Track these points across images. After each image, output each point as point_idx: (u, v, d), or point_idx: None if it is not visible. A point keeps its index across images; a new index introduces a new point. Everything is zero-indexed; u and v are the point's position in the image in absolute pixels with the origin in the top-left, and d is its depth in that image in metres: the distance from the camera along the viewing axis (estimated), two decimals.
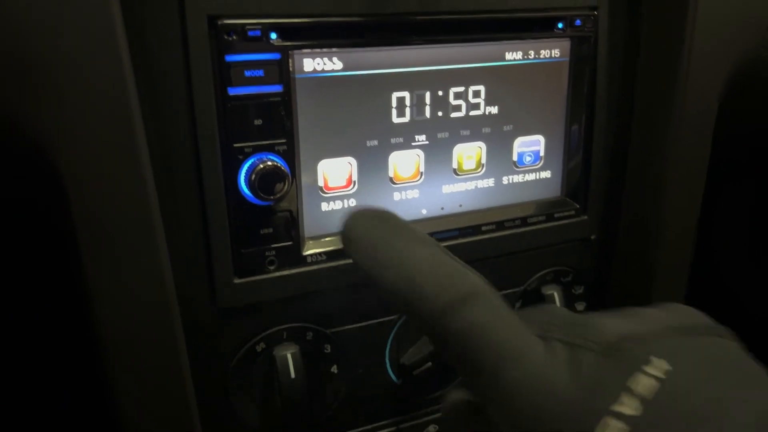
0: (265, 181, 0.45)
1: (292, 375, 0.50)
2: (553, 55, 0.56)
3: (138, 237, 0.41)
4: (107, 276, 0.41)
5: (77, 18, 0.37)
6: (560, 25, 0.54)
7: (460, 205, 0.56)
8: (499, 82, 0.54)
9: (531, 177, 0.58)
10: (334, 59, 0.48)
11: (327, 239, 0.51)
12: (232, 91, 0.44)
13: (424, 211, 0.55)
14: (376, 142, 0.51)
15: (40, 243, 0.43)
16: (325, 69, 0.47)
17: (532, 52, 0.54)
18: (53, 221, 0.39)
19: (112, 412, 0.46)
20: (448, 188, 0.55)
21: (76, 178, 0.38)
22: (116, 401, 0.45)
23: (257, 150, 0.46)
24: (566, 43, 0.56)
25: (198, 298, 0.47)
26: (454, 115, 0.53)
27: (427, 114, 0.52)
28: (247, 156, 0.45)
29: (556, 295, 0.61)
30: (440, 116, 0.52)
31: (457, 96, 0.52)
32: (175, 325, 0.44)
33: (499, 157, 0.56)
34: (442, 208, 0.55)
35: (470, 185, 0.55)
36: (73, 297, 0.42)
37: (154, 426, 0.46)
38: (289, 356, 0.50)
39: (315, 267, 0.50)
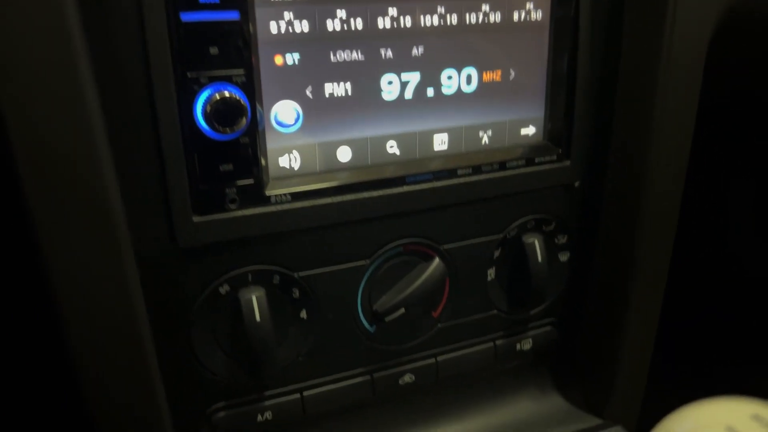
0: (221, 113, 0.44)
1: (258, 318, 0.49)
2: None
3: (83, 167, 0.39)
4: (52, 210, 0.39)
5: None
6: None
7: (438, 143, 0.54)
8: (477, 26, 0.51)
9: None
10: None
11: (293, 179, 0.49)
12: (186, 18, 0.42)
13: (396, 152, 0.53)
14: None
15: None
16: None
17: None
18: None
19: (66, 362, 0.45)
20: (422, 122, 0.53)
21: (16, 103, 0.37)
22: (70, 350, 0.44)
23: (213, 80, 0.44)
24: None
25: (157, 238, 0.46)
26: (435, 52, 0.51)
27: (414, 51, 0.50)
28: (202, 86, 0.43)
29: (537, 243, 0.59)
30: (423, 53, 0.50)
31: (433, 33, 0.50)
32: (126, 263, 0.42)
33: (476, 96, 0.54)
34: (416, 147, 0.53)
35: (448, 121, 0.53)
36: (19, 235, 0.41)
37: (110, 376, 0.45)
38: (254, 299, 0.49)
39: (279, 207, 0.48)
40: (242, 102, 0.44)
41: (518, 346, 0.64)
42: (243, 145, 0.46)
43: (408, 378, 0.59)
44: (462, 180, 0.54)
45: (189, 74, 0.43)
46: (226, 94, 0.43)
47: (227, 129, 0.44)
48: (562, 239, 0.62)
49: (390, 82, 0.51)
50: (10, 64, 0.36)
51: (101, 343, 0.43)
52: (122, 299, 0.43)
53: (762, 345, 1.10)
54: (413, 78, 0.51)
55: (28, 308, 0.56)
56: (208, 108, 0.43)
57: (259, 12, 0.45)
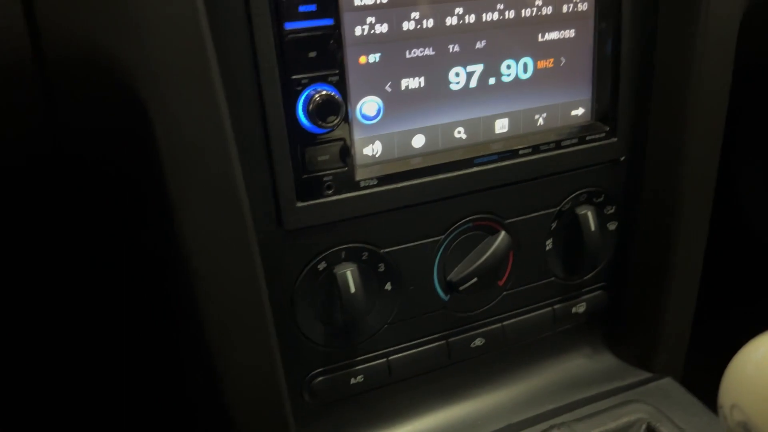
0: (321, 110, 0.49)
1: (352, 290, 0.55)
2: None
3: (216, 159, 0.45)
4: (191, 198, 0.45)
5: None
6: None
7: (499, 127, 0.59)
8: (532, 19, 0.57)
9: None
10: None
11: (375, 166, 0.55)
12: (288, 26, 0.48)
13: (463, 137, 0.58)
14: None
15: (131, 168, 0.48)
16: (373, 4, 0.51)
17: None
18: (140, 148, 0.44)
19: (197, 329, 0.51)
20: (485, 108, 0.58)
21: (159, 108, 0.43)
22: (202, 319, 0.50)
23: (313, 81, 0.50)
24: None
25: (266, 222, 0.52)
26: (495, 44, 0.56)
27: (477, 44, 0.56)
28: (304, 87, 0.49)
29: (589, 214, 0.65)
30: (485, 46, 0.56)
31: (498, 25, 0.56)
32: (251, 244, 0.49)
33: (531, 82, 0.60)
34: (480, 131, 0.59)
35: (508, 107, 0.59)
36: (161, 220, 0.47)
37: (235, 336, 0.51)
38: (348, 273, 0.55)
39: (367, 191, 0.54)
40: (337, 98, 0.50)
41: (573, 310, 0.70)
42: (336, 138, 0.52)
43: (479, 342, 0.65)
44: (522, 159, 0.60)
45: (293, 77, 0.49)
46: (324, 92, 0.49)
47: (326, 124, 0.50)
48: (610, 209, 0.68)
49: (457, 74, 0.56)
50: (164, 86, 0.42)
51: (233, 314, 0.49)
52: (249, 277, 0.49)
53: None
54: (477, 69, 0.57)
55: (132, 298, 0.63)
56: (310, 106, 0.49)
57: (347, 17, 0.51)
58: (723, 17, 0.60)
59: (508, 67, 0.58)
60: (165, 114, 0.43)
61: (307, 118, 0.50)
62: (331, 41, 0.50)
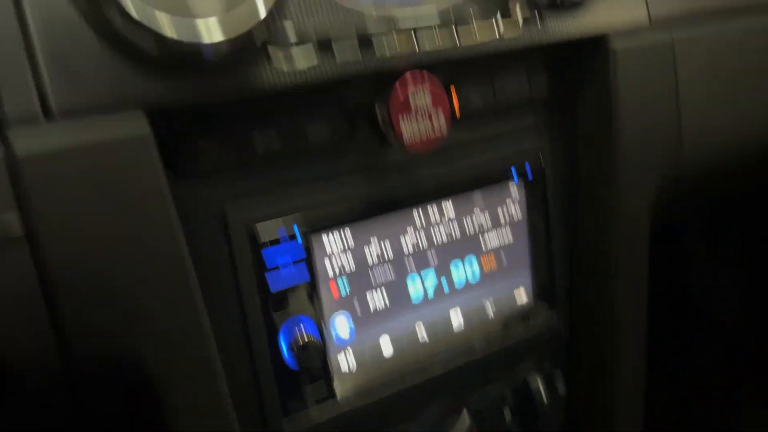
0: (300, 352, 0.58)
1: None
2: (514, 198, 0.70)
3: (214, 410, 0.53)
4: None
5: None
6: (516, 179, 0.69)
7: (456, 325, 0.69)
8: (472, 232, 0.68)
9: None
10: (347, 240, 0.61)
11: (351, 379, 0.63)
12: (274, 289, 0.57)
13: (426, 339, 0.67)
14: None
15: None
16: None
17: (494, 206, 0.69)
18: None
19: None
20: (443, 313, 0.68)
21: (166, 391, 0.50)
22: None
23: (293, 323, 0.58)
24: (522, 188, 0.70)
25: None
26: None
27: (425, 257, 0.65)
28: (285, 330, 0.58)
29: (539, 381, 0.74)
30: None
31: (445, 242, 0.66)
32: None
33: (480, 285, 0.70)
34: (440, 332, 0.68)
35: (461, 306, 0.69)
36: None
37: None
38: None
39: (347, 408, 0.62)
40: (316, 341, 0.58)
41: None
42: (316, 368, 0.60)
43: None
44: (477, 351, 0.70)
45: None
46: (306, 338, 0.58)
47: (308, 365, 0.58)
48: (558, 375, 0.77)
49: (416, 288, 0.66)
50: (172, 379, 0.50)
51: None
52: None
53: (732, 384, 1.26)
54: (432, 280, 0.67)
55: None
56: (294, 348, 0.58)
57: (321, 275, 0.60)
58: (633, 215, 0.72)
59: (460, 275, 0.68)
60: (171, 396, 0.50)
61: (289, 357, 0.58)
62: (312, 295, 0.59)
